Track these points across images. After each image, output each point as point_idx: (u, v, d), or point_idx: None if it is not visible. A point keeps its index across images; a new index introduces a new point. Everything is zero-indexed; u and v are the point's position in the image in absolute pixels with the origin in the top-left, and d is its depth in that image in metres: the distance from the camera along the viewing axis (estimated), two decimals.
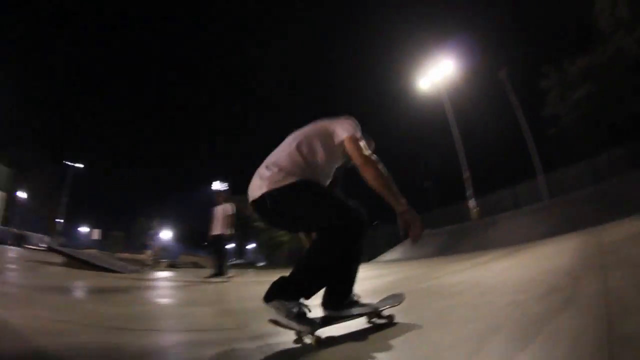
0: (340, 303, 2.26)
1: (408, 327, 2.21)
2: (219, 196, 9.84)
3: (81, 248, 35.84)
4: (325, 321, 2.16)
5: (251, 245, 59.88)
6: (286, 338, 2.06)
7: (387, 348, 1.85)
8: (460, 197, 21.42)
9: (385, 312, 2.42)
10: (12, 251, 14.86)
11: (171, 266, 23.19)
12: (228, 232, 9.39)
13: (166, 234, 66.54)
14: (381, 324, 2.36)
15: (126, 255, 37.44)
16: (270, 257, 42.37)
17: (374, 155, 2.28)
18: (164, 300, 5.02)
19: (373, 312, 2.38)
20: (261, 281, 10.06)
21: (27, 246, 21.94)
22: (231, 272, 9.51)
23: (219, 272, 8.95)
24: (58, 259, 10.11)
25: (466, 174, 20.39)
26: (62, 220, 45.18)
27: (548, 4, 26.41)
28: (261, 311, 2.03)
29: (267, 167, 2.27)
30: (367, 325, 2.38)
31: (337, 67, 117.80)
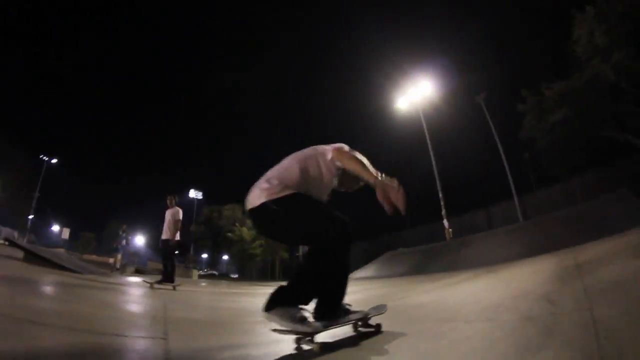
0: (336, 309, 2.39)
1: (393, 336, 2.42)
2: (170, 199, 9.30)
3: (49, 247, 34.74)
4: (327, 325, 2.25)
5: (225, 257, 59.13)
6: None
7: (379, 352, 2.05)
8: (436, 217, 21.37)
9: (372, 321, 2.65)
10: None
11: (138, 271, 22.55)
12: (176, 237, 8.97)
13: (139, 240, 65.31)
14: (367, 332, 2.58)
15: (94, 257, 36.20)
16: (242, 269, 41.61)
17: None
18: (87, 300, 4.74)
19: (364, 319, 2.59)
20: (214, 292, 9.67)
21: None
22: (178, 281, 9.01)
23: (166, 278, 8.49)
24: (19, 253, 10.50)
25: (440, 195, 20.28)
26: (32, 217, 43.55)
27: (526, 30, 26.92)
28: (188, 322, 2.52)
29: (267, 180, 2.47)
30: (353, 333, 2.60)
31: (314, 89, 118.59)
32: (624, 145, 18.67)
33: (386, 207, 2.28)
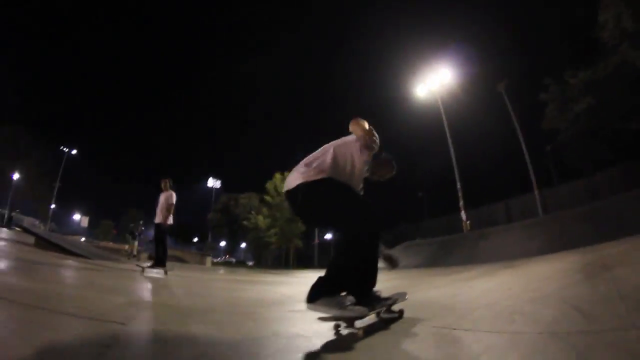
0: (371, 294, 2.55)
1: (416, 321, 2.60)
2: (164, 183, 9.12)
3: (69, 234, 35.61)
4: (371, 309, 2.41)
5: (243, 245, 59.78)
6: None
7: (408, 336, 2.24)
8: (454, 208, 21.05)
9: (395, 308, 2.78)
10: None
11: (151, 258, 22.85)
12: (169, 221, 8.82)
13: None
14: (391, 318, 2.72)
15: (110, 244, 36.89)
16: (259, 257, 41.94)
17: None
18: (85, 282, 4.96)
19: (393, 303, 2.75)
20: (210, 278, 9.59)
21: (14, 227, 22.20)
22: (170, 265, 9.02)
23: (158, 263, 8.39)
24: (31, 239, 11.25)
25: (459, 185, 19.89)
26: (54, 206, 44.62)
27: (550, 16, 25.94)
28: (163, 307, 2.50)
29: (304, 165, 2.70)
30: (377, 319, 2.70)
31: (333, 75, 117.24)
32: None
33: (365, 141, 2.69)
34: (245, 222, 33.25)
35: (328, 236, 39.54)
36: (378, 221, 2.54)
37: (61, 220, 59.23)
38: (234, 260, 62.58)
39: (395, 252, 17.41)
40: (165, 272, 8.23)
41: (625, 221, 8.86)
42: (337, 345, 2.15)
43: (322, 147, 2.87)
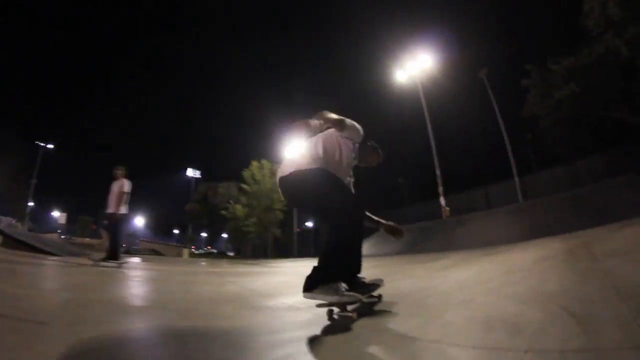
0: (357, 281, 2.72)
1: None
2: (118, 170, 8.60)
3: (47, 232, 34.52)
4: (363, 293, 2.63)
5: (225, 235, 59.10)
6: None
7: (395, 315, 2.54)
8: (434, 194, 20.67)
9: (375, 292, 2.96)
10: None
11: (127, 252, 22.17)
12: (121, 211, 8.29)
13: (138, 221, 65.48)
14: (373, 302, 2.91)
15: (86, 240, 35.92)
16: (238, 247, 41.39)
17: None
18: (32, 281, 4.62)
19: (377, 288, 2.94)
20: (168, 270, 9.06)
21: None
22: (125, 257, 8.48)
23: (111, 255, 7.85)
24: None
25: (438, 171, 19.56)
26: (32, 204, 43.05)
27: (534, 3, 25.67)
28: (105, 304, 2.64)
29: (299, 154, 2.82)
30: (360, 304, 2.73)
31: (311, 61, 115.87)
32: (634, 129, 17.73)
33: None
34: (223, 212, 32.36)
35: (309, 224, 39.18)
36: (363, 212, 2.76)
37: (40, 217, 57.54)
38: (215, 251, 61.90)
39: (375, 238, 17.12)
40: (119, 265, 7.70)
41: (608, 207, 8.86)
42: (338, 327, 2.29)
43: (311, 139, 2.95)
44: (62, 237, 35.69)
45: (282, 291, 4.67)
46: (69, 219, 54.72)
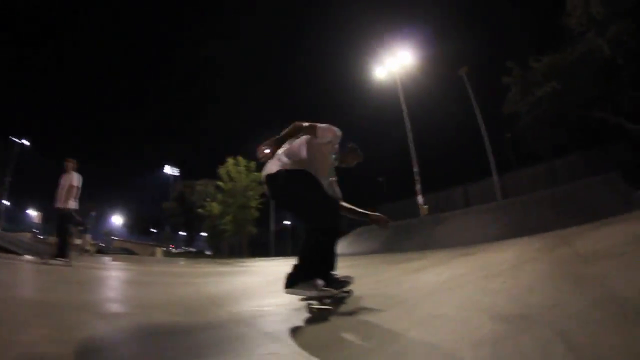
0: (332, 278, 2.89)
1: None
2: (69, 162, 8.05)
3: (23, 231, 33.24)
4: (338, 288, 2.91)
5: (204, 234, 58.07)
6: None
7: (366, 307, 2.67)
8: (412, 193, 20.35)
9: (346, 288, 3.14)
10: None
11: (100, 252, 21.44)
12: (70, 205, 7.80)
13: (115, 219, 64.24)
14: (344, 296, 3.06)
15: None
16: (215, 246, 40.64)
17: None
18: None
19: (348, 285, 3.15)
20: (120, 267, 8.57)
21: None
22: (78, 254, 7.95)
23: (59, 253, 7.29)
24: None
25: (415, 169, 19.21)
26: (7, 203, 41.28)
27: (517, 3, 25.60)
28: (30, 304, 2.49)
29: (284, 155, 2.96)
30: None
31: (290, 58, 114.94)
32: (614, 129, 17.65)
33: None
34: (200, 210, 31.52)
35: (287, 222, 38.60)
36: (339, 216, 2.92)
37: (16, 216, 55.55)
38: (194, 250, 60.82)
39: (352, 236, 16.74)
40: (68, 264, 7.14)
41: (587, 206, 8.72)
42: (317, 318, 2.49)
43: (296, 142, 3.05)
44: (39, 236, 34.48)
45: (241, 295, 4.20)
46: (45, 218, 53.17)
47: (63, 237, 7.49)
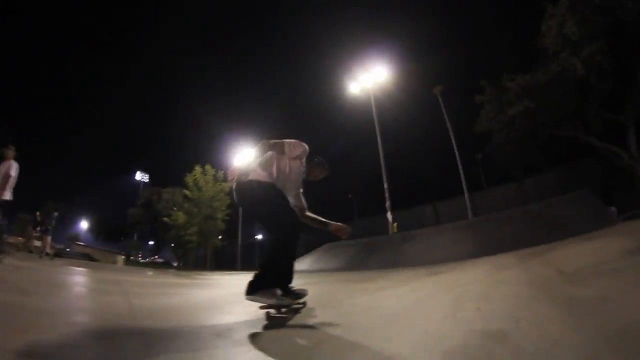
0: (289, 289, 3.03)
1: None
2: (9, 149, 7.46)
3: None
4: (295, 298, 3.07)
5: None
6: None
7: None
8: (382, 210, 19.87)
9: (301, 300, 3.24)
10: None
11: (57, 255, 19.96)
12: (5, 196, 7.16)
13: (83, 224, 62.11)
14: (298, 308, 3.15)
15: (20, 239, 32.93)
16: (182, 257, 39.24)
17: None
18: None
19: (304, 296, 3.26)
20: (53, 270, 7.65)
21: None
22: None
23: None
24: None
25: (385, 185, 18.77)
26: None
27: (491, 22, 25.92)
28: None
29: (259, 167, 3.12)
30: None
31: (263, 69, 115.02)
32: (584, 147, 17.81)
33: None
34: (165, 219, 30.15)
35: (258, 237, 37.65)
36: (299, 230, 2.99)
37: None
38: (161, 260, 58.70)
39: (318, 252, 16.04)
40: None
41: (561, 222, 8.48)
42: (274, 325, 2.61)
43: (266, 158, 3.19)
44: None
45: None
46: (9, 217, 50.46)
47: None
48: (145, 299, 4.42)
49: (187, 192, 27.83)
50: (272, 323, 2.65)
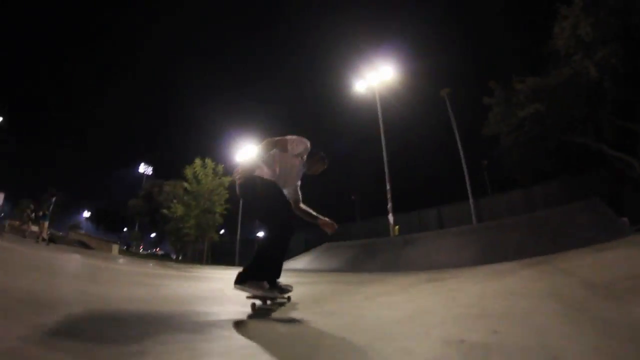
0: (277, 283, 3.16)
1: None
2: None
3: None
4: (281, 292, 3.20)
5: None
6: None
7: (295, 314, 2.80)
8: (385, 212, 19.37)
9: (286, 295, 3.40)
10: None
11: (51, 240, 19.68)
12: None
13: (85, 213, 62.41)
14: (283, 302, 3.35)
15: (16, 223, 32.92)
16: (180, 250, 38.97)
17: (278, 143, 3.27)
18: None
19: (289, 292, 3.40)
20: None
21: None
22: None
23: None
24: None
25: (388, 186, 18.29)
26: None
27: (502, 24, 25.39)
28: None
29: (264, 164, 3.19)
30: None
31: (270, 67, 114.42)
32: (595, 155, 17.30)
33: None
34: (165, 211, 29.77)
35: (260, 235, 37.26)
36: (293, 229, 3.05)
37: None
38: (162, 252, 58.53)
39: (317, 252, 15.69)
40: None
41: (569, 232, 8.09)
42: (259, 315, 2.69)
43: (271, 153, 3.24)
44: None
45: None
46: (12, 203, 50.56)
47: None
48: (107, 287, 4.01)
49: (186, 184, 27.50)
50: (256, 313, 2.74)
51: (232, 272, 3.87)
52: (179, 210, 27.33)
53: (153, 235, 61.09)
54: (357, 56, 23.75)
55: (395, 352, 1.51)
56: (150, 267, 10.13)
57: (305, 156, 3.44)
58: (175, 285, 5.31)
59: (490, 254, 8.12)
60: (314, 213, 3.67)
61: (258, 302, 2.96)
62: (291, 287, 3.43)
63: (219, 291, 4.74)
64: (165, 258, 41.84)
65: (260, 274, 2.89)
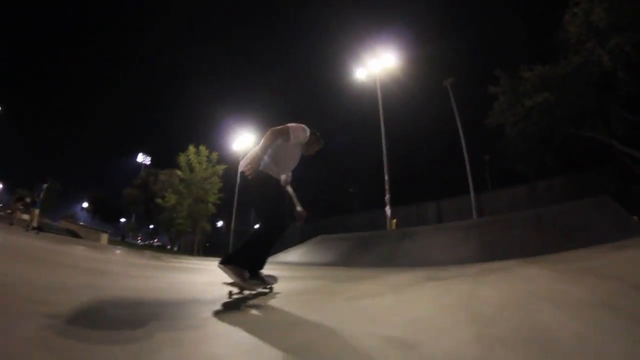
0: (259, 274, 3.26)
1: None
2: None
3: None
4: (260, 284, 3.27)
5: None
6: None
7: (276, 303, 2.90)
8: (383, 205, 18.76)
9: (267, 287, 3.45)
10: None
11: (38, 228, 19.12)
12: None
13: (82, 203, 62.45)
14: (265, 292, 3.32)
15: (8, 211, 32.66)
16: (175, 241, 38.60)
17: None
18: None
19: (270, 284, 3.47)
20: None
21: None
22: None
23: None
24: None
25: (386, 177, 17.82)
26: None
27: (510, 13, 24.66)
28: None
29: (268, 157, 3.22)
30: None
31: (270, 58, 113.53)
32: (601, 152, 16.78)
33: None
34: (159, 200, 29.16)
35: (256, 226, 36.77)
36: (286, 224, 3.16)
37: None
38: (160, 243, 58.27)
39: (310, 245, 15.12)
40: None
41: (577, 229, 7.67)
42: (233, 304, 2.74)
43: (275, 145, 3.24)
44: None
45: None
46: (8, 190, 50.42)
47: None
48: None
49: (178, 172, 26.92)
50: (231, 302, 2.80)
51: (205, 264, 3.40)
52: (172, 199, 26.73)
53: (151, 227, 60.76)
54: (358, 43, 23.00)
55: None
56: (118, 255, 9.51)
57: (304, 143, 3.50)
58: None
59: (492, 251, 7.60)
60: (295, 200, 3.80)
61: (235, 289, 3.05)
62: (276, 278, 3.54)
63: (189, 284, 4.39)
64: (160, 249, 41.37)
65: (243, 262, 2.96)
